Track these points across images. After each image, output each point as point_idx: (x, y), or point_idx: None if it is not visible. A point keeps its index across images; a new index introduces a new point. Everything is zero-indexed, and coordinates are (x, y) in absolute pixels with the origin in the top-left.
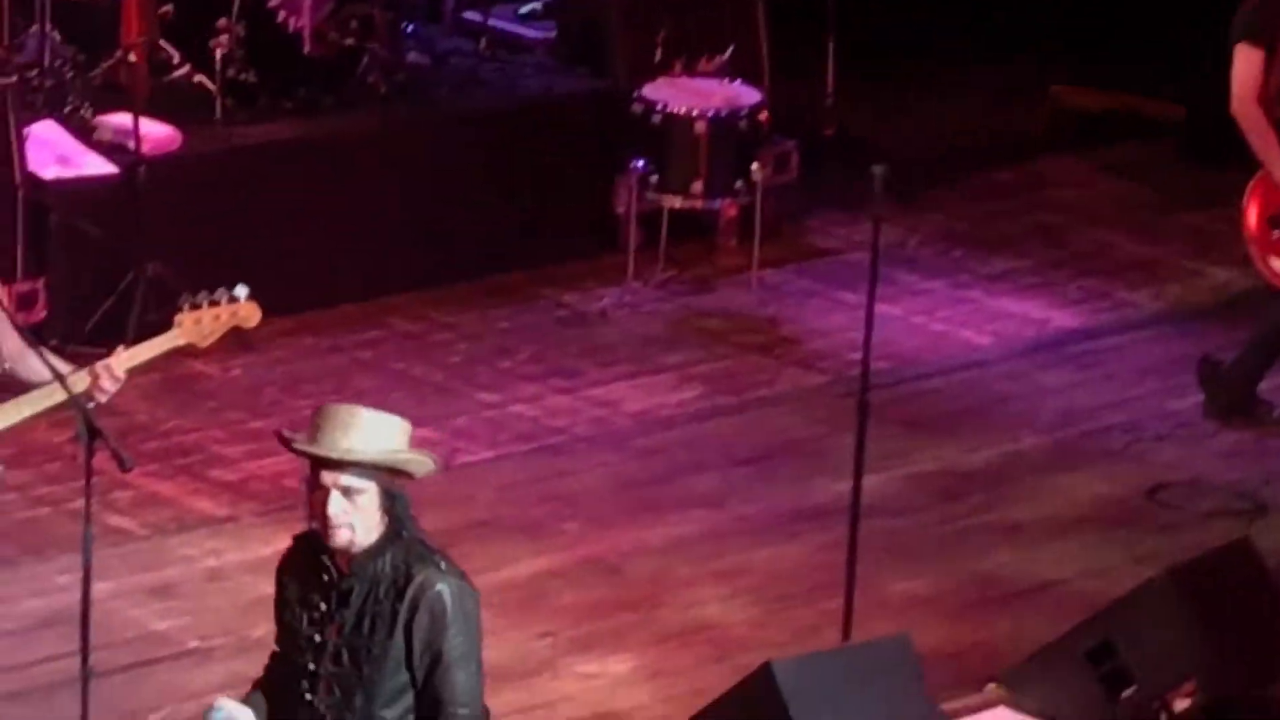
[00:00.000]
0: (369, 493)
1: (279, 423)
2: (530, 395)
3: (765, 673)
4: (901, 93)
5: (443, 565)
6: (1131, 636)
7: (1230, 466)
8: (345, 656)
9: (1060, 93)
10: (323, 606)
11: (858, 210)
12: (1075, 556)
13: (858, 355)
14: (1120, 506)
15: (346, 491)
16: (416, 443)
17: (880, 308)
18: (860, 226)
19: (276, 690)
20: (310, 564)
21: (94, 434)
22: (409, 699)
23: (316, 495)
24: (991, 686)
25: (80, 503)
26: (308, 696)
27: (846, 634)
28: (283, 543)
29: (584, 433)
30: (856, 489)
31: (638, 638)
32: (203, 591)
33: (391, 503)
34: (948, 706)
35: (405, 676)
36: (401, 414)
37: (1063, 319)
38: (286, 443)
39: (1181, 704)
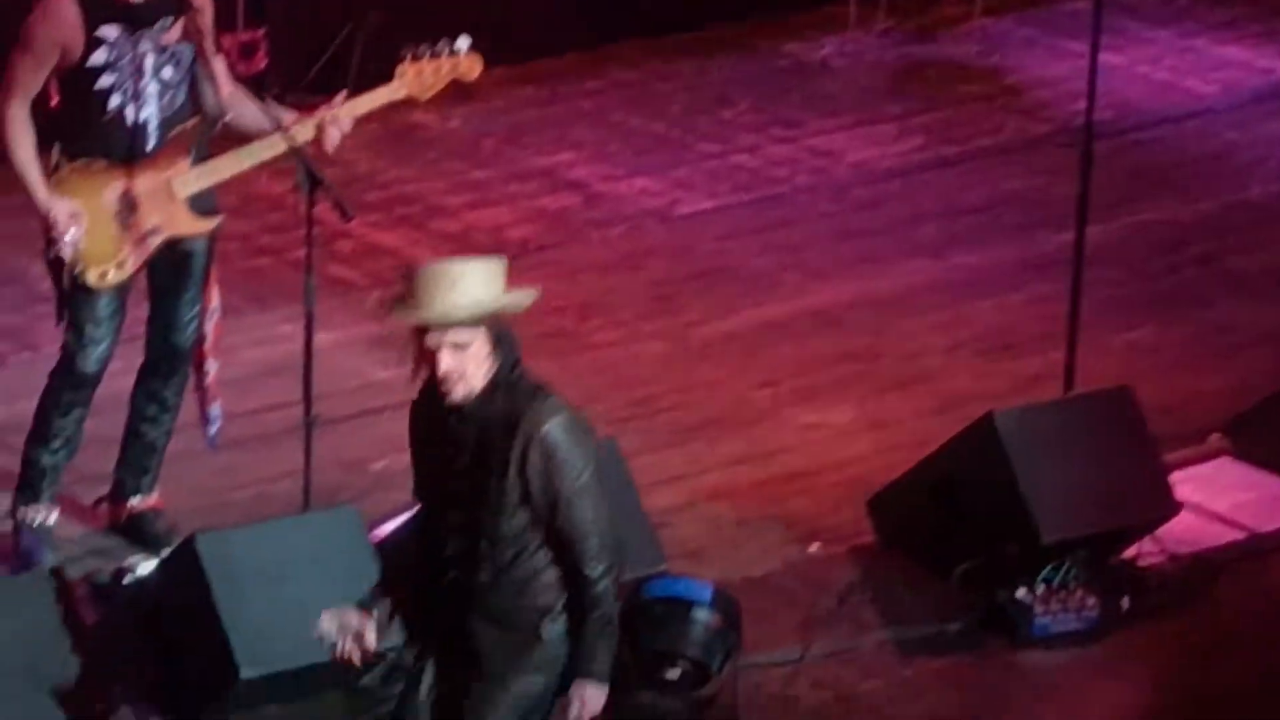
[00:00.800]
0: (477, 340)
1: (500, 174)
2: (750, 145)
3: (986, 422)
4: None
5: (549, 401)
6: None
7: None
8: (467, 502)
9: None
10: (444, 453)
11: None
12: None
13: (1081, 105)
14: None
15: (456, 347)
16: (637, 194)
17: (1104, 56)
18: None
19: (419, 542)
20: (433, 413)
21: (315, 183)
22: (534, 539)
23: (426, 357)
24: (1215, 437)
25: (302, 252)
26: (442, 545)
27: (1068, 385)
28: None
29: (804, 183)
30: (1080, 239)
31: (858, 389)
32: None
33: (498, 343)
34: (1170, 458)
35: (527, 517)
36: (620, 165)
37: None
38: (387, 311)
39: None
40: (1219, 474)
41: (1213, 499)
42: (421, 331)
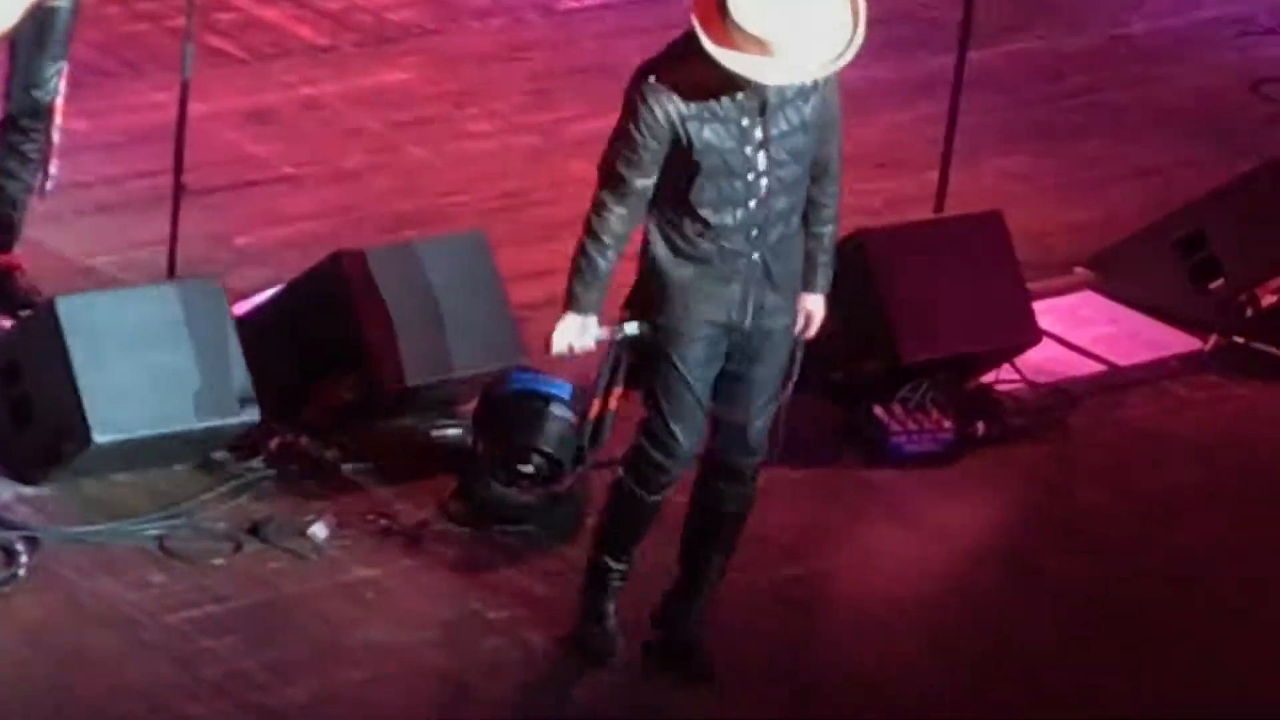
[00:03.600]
0: None
1: None
2: None
3: (853, 242)
4: None
5: None
6: (1224, 228)
7: None
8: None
9: None
10: (744, 122)
11: None
12: (1172, 145)
13: None
14: (1222, 99)
15: None
16: None
17: None
18: None
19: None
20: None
21: None
22: None
23: None
24: (1079, 269)
25: (181, 20)
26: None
27: (939, 206)
28: (382, 75)
29: None
30: (960, 62)
31: None
32: (299, 119)
33: None
34: (1035, 286)
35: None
36: None
37: None
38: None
39: (1269, 298)
40: (1081, 306)
41: (1074, 331)
42: None
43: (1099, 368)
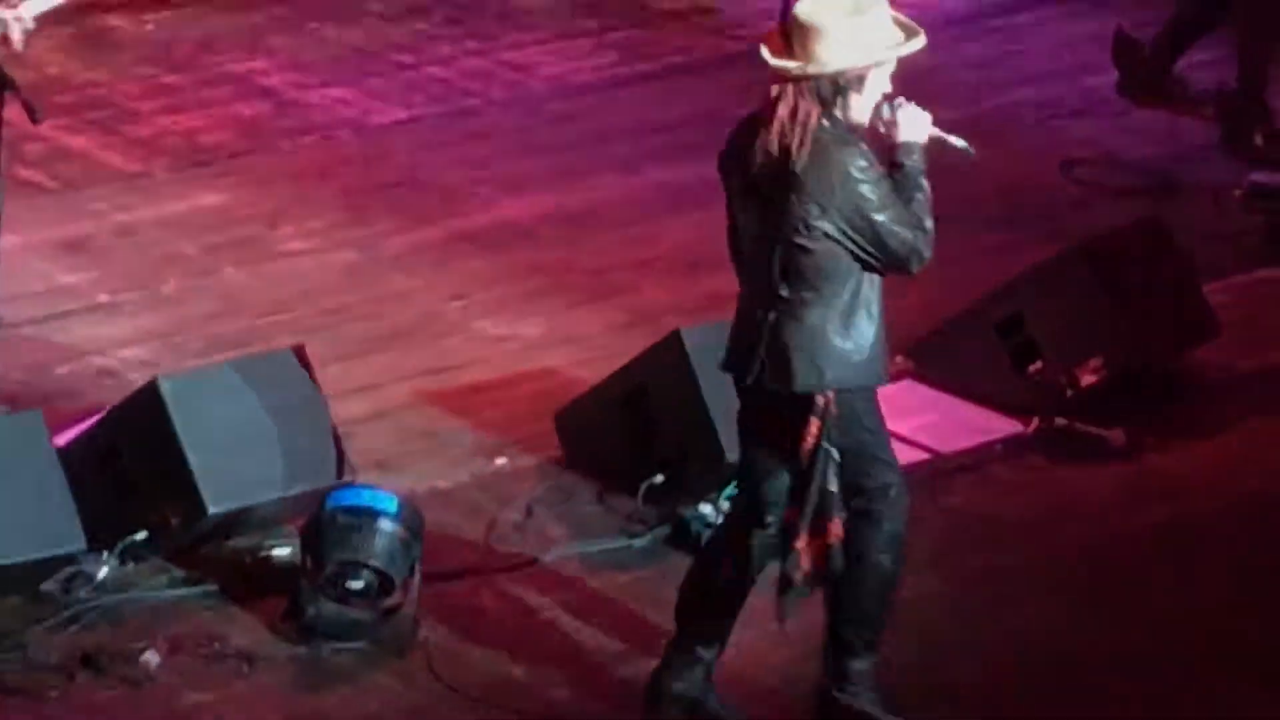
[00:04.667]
0: None
1: (193, 80)
2: (444, 57)
3: (674, 339)
4: None
5: None
6: (1040, 309)
7: (1142, 143)
8: None
9: None
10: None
11: None
12: (986, 230)
13: (774, 24)
14: (1033, 182)
15: None
16: (331, 103)
17: None
18: None
19: None
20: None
21: (4, 84)
22: None
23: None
24: (899, 359)
25: None
26: None
27: None
28: (196, 198)
29: (499, 96)
30: None
31: (548, 302)
32: (112, 246)
33: None
34: None
35: None
36: (314, 74)
37: None
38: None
39: (1089, 379)
40: (903, 395)
41: (897, 420)
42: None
43: (923, 455)
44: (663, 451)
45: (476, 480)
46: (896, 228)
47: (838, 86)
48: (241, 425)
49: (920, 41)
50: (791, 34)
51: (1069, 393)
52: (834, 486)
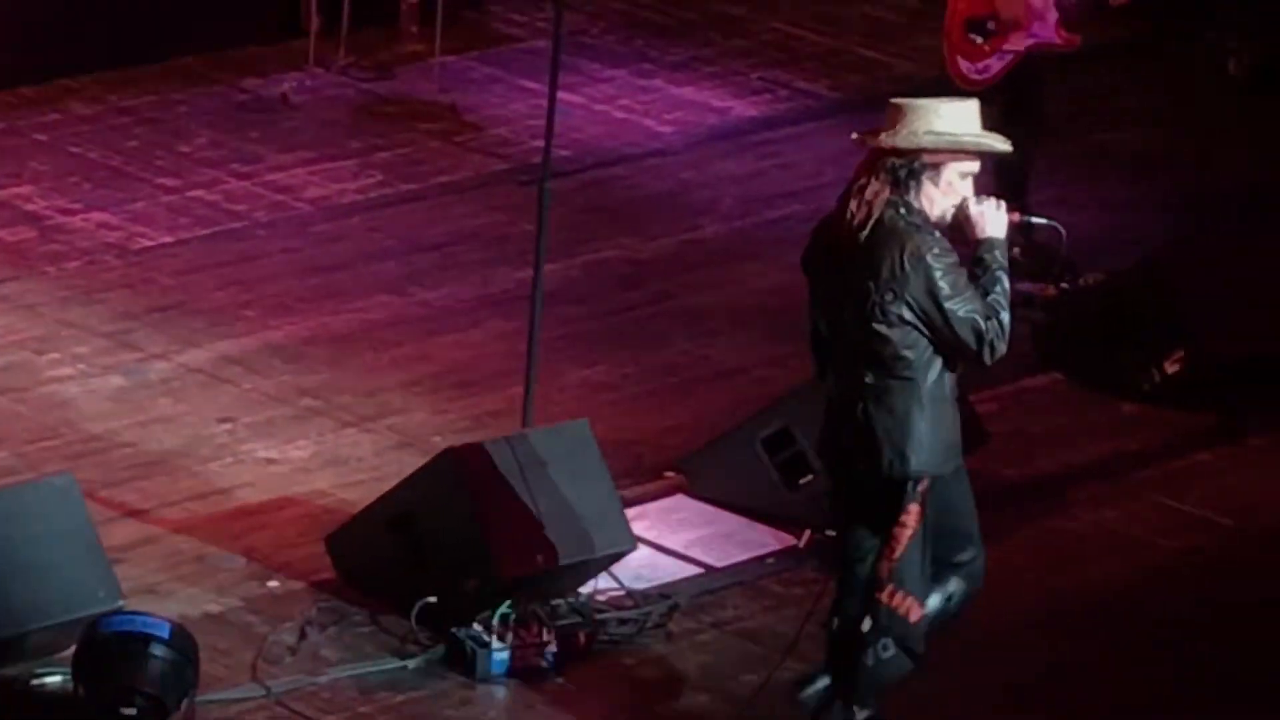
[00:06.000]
0: None
1: None
2: (209, 180)
3: (445, 458)
4: None
5: None
6: (808, 424)
7: None
8: None
9: None
10: None
11: None
12: (754, 344)
13: (539, 143)
14: (800, 295)
15: None
16: (95, 227)
17: (562, 95)
18: (543, 13)
19: None
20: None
21: None
22: None
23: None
24: (670, 474)
25: None
26: None
27: (526, 420)
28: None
29: (265, 218)
30: (537, 276)
31: (318, 424)
32: None
33: None
34: (627, 494)
35: None
36: (78, 198)
37: (744, 108)
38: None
39: None
40: (675, 510)
41: (669, 535)
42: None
43: (696, 570)
44: (436, 572)
45: (249, 604)
46: (968, 315)
47: (912, 170)
48: (11, 554)
49: (1004, 145)
50: (885, 117)
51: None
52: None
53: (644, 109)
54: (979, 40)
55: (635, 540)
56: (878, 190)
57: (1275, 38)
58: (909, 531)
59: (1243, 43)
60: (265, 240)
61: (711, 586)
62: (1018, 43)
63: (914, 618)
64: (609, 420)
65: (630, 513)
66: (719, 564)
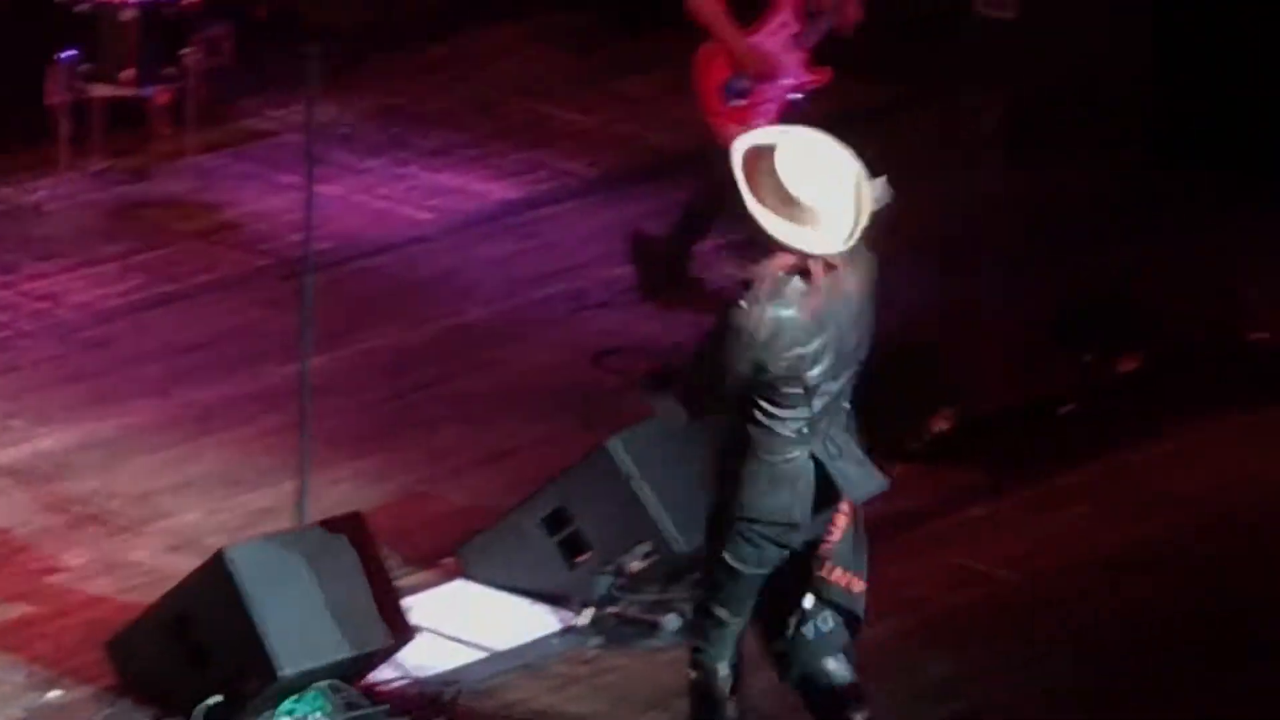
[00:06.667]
0: None
1: None
2: None
3: (218, 559)
4: None
5: None
6: (584, 502)
7: (671, 330)
8: None
9: None
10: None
11: (293, 91)
12: (526, 425)
13: (299, 236)
14: (567, 374)
15: None
16: None
17: (320, 188)
18: (296, 107)
19: None
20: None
21: None
22: None
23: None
24: (448, 560)
25: None
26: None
27: (300, 516)
28: None
29: (27, 327)
30: (304, 371)
31: (91, 531)
32: None
33: None
34: (406, 583)
35: None
36: None
37: (503, 190)
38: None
39: (635, 564)
40: (454, 596)
41: (450, 621)
42: None
43: (480, 654)
44: (217, 671)
45: (31, 715)
46: None
47: None
48: None
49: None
50: None
51: (619, 581)
52: None
53: (402, 197)
54: (740, 102)
55: (415, 629)
56: None
57: (1025, 91)
58: (844, 519)
59: (993, 97)
60: (29, 349)
61: (495, 670)
62: (776, 92)
63: (856, 589)
64: (384, 509)
65: (410, 600)
66: (502, 646)
